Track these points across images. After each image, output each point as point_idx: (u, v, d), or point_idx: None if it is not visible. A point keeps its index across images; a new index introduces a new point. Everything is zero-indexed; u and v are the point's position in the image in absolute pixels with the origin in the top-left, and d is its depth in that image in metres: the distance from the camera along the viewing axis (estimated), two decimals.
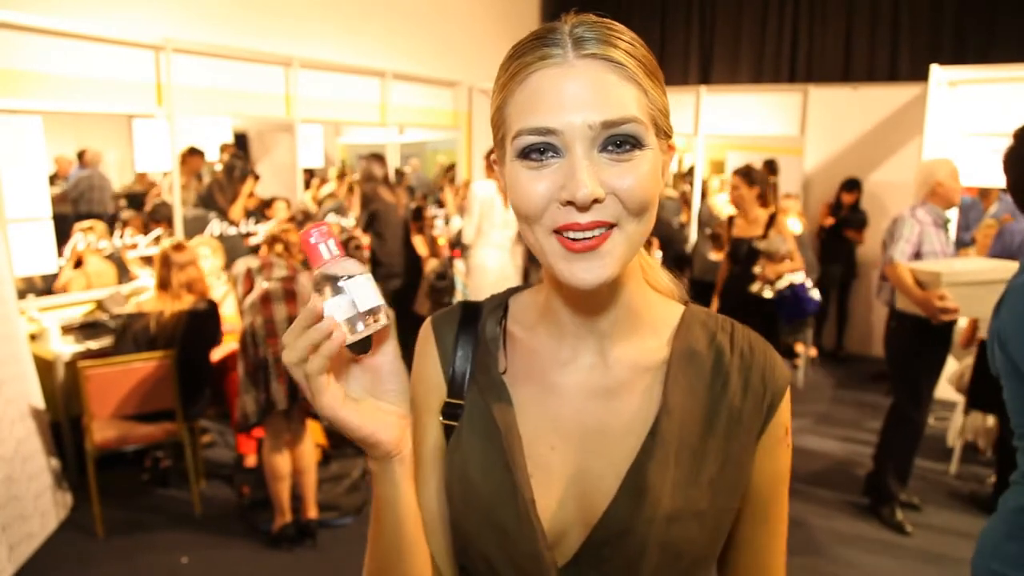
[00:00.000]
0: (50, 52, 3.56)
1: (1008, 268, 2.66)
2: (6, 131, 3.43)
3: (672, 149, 0.67)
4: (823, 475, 3.64)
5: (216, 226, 4.53)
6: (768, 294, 3.61)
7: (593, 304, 0.69)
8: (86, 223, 3.92)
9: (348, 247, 3.79)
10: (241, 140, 5.22)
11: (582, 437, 0.69)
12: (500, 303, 0.78)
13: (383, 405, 0.63)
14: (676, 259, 5.34)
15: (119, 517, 3.13)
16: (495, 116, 0.66)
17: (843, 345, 5.73)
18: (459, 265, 4.82)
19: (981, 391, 3.08)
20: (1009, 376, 1.33)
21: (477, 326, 0.76)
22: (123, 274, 4.06)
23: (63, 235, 3.77)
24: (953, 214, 4.25)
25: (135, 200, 4.38)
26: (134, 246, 4.16)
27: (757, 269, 3.60)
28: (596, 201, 0.59)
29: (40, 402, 3.12)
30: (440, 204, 6.47)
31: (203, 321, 3.23)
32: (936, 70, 4.49)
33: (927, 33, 5.87)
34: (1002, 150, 1.53)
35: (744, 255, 3.64)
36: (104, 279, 3.95)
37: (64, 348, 3.39)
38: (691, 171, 6.31)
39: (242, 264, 3.06)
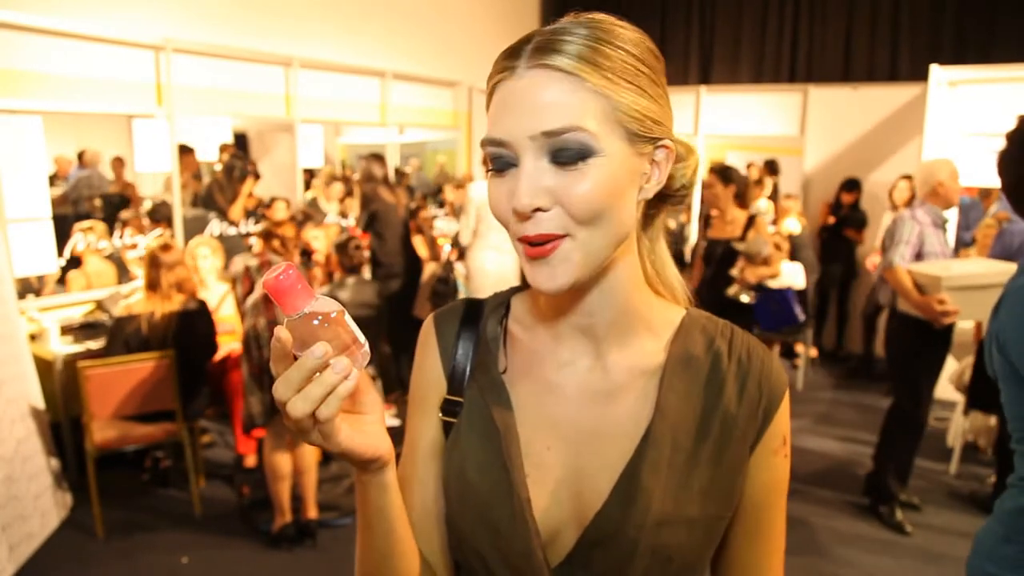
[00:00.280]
0: (50, 52, 3.56)
1: (1007, 270, 2.66)
2: (6, 131, 3.43)
3: (669, 149, 0.66)
4: (823, 475, 3.64)
5: (216, 226, 4.53)
6: (746, 298, 3.49)
7: (582, 307, 0.69)
8: (86, 223, 3.93)
9: (348, 247, 3.78)
10: (241, 140, 5.22)
11: (578, 438, 0.69)
12: (502, 302, 0.78)
13: (366, 418, 0.62)
14: (675, 259, 5.32)
15: (119, 517, 3.13)
16: None
17: (843, 345, 5.73)
18: (460, 268, 4.82)
19: (981, 391, 3.07)
20: (1007, 379, 1.32)
21: (479, 324, 0.77)
22: (123, 274, 4.06)
23: (63, 235, 3.78)
24: (952, 214, 4.25)
25: (113, 203, 4.22)
26: (134, 246, 4.16)
27: (735, 271, 3.50)
28: (540, 210, 0.60)
29: (40, 402, 3.12)
30: (441, 204, 6.47)
31: (194, 321, 3.21)
32: (936, 70, 4.50)
33: (927, 33, 5.87)
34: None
35: (720, 257, 3.53)
36: (104, 279, 3.95)
37: (64, 348, 3.39)
38: None
39: (240, 263, 3.04)
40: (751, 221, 3.55)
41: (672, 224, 5.87)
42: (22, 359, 3.02)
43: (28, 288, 3.66)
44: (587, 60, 0.59)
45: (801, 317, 3.67)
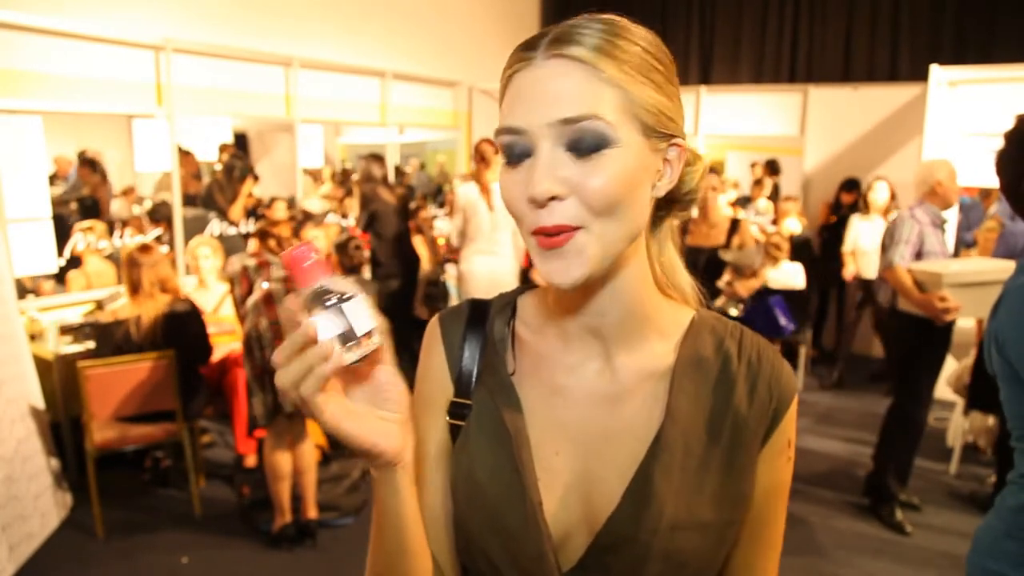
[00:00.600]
0: (50, 52, 3.56)
1: (1007, 267, 2.66)
2: (6, 131, 3.44)
3: (682, 148, 0.66)
4: (823, 475, 3.64)
5: (216, 226, 4.53)
6: (734, 312, 3.36)
7: (591, 307, 0.69)
8: (86, 223, 3.93)
9: (348, 247, 3.78)
10: (241, 140, 5.22)
11: (587, 442, 0.69)
12: (508, 303, 0.77)
13: (383, 414, 0.62)
14: None
15: (119, 517, 3.13)
16: None
17: (842, 345, 5.71)
18: (451, 270, 4.78)
19: (981, 391, 3.07)
20: (1006, 378, 1.32)
21: (485, 325, 0.76)
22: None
23: (63, 235, 3.77)
24: (952, 214, 4.25)
25: (87, 206, 4.09)
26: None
27: (722, 283, 3.36)
28: (556, 199, 0.59)
29: (40, 402, 3.12)
30: (442, 204, 6.47)
31: (184, 322, 3.18)
32: (936, 70, 4.49)
33: (927, 33, 5.87)
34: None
35: (704, 266, 3.33)
36: (104, 279, 3.95)
37: (64, 348, 3.39)
38: None
39: (237, 263, 3.03)
40: (735, 225, 3.40)
41: None
42: (22, 359, 3.02)
43: (28, 288, 3.66)
44: (604, 52, 0.60)
45: (789, 328, 3.57)
